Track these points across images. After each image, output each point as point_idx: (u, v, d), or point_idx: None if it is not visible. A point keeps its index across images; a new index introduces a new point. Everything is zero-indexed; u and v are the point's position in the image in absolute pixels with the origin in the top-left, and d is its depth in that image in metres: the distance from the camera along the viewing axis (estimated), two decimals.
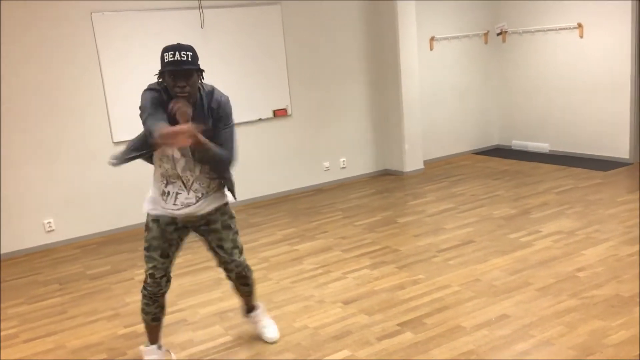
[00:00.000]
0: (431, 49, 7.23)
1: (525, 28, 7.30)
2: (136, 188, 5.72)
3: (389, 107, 6.93)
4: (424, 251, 4.46)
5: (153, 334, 3.04)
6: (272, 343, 3.20)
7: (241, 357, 3.13)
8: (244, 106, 6.05)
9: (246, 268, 3.05)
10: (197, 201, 2.80)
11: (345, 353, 3.05)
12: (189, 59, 2.55)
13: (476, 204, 5.54)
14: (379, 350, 3.05)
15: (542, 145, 7.41)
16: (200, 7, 5.73)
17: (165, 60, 2.55)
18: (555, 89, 7.14)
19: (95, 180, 5.53)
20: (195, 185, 2.80)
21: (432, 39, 7.20)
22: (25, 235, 5.30)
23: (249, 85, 6.14)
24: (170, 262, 2.89)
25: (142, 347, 3.10)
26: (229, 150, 2.76)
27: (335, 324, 3.38)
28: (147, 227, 2.88)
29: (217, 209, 2.90)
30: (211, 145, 2.62)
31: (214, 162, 2.72)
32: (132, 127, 5.56)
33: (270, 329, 3.27)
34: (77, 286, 4.41)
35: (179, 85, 2.55)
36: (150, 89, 2.67)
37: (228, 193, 2.95)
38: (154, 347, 3.05)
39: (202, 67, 2.66)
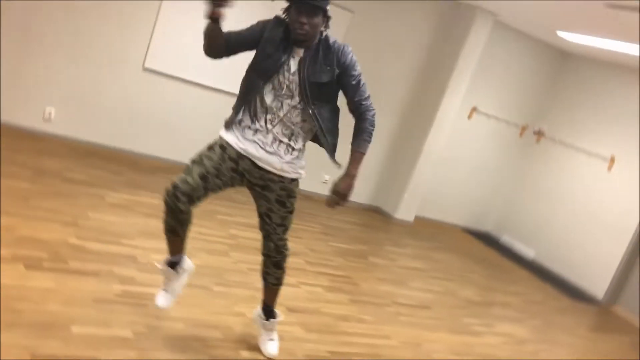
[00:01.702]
0: (469, 118, 7.27)
1: (561, 138, 7.36)
2: (147, 118, 5.71)
3: (406, 152, 6.95)
4: (381, 297, 4.45)
5: (171, 246, 2.83)
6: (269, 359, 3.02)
7: (172, 315, 3.10)
8: None
9: (286, 246, 2.87)
10: (270, 152, 2.64)
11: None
12: None
13: (447, 276, 5.54)
14: None
15: (528, 251, 7.43)
16: None
17: None
18: (562, 205, 7.18)
19: (111, 92, 5.50)
20: (277, 131, 2.63)
21: (474, 108, 7.24)
22: (24, 113, 5.26)
23: None
24: (204, 188, 2.62)
25: (160, 264, 2.89)
26: (365, 102, 2.66)
27: None
28: (211, 146, 2.69)
29: (280, 178, 2.72)
30: (358, 156, 2.72)
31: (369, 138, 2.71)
32: (168, 61, 5.59)
33: (273, 345, 3.06)
34: (49, 181, 4.38)
35: (300, 20, 2.48)
36: (266, 20, 2.63)
37: (303, 172, 2.79)
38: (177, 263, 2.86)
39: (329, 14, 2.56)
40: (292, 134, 2.68)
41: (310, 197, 6.63)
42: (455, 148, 7.33)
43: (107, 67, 5.43)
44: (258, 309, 3.10)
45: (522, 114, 7.63)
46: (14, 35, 5.01)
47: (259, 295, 3.65)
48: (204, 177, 2.62)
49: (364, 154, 2.71)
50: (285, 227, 2.84)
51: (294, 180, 2.78)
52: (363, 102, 2.67)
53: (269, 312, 3.05)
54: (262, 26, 2.64)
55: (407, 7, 6.45)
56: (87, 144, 5.54)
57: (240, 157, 2.67)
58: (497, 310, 5.10)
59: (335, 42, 2.65)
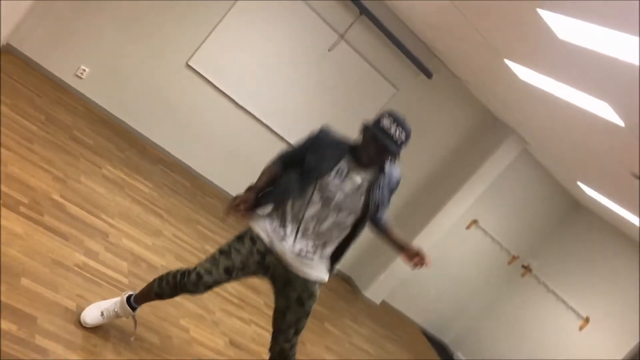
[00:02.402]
0: (467, 228, 7.30)
1: (546, 281, 7.34)
2: (170, 111, 5.75)
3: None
4: None
5: (144, 299, 2.77)
6: None
7: None
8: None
9: (292, 350, 2.75)
10: (297, 254, 2.59)
11: None
12: (400, 142, 2.46)
13: None
14: None
15: None
16: (341, 35, 5.90)
17: (380, 124, 2.45)
18: (524, 345, 7.09)
19: (146, 75, 5.56)
20: (309, 239, 2.59)
21: (474, 221, 7.28)
22: (60, 62, 5.31)
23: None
24: (227, 280, 2.65)
25: (126, 294, 2.77)
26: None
27: (209, 351, 3.30)
28: (241, 237, 2.66)
29: (305, 280, 2.64)
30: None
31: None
32: (211, 66, 5.66)
33: None
34: (57, 133, 4.38)
35: (370, 152, 2.49)
36: (332, 135, 2.63)
37: (326, 276, 2.71)
38: (132, 306, 2.75)
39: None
40: (324, 243, 2.63)
41: None
42: (444, 252, 7.32)
43: (153, 51, 5.51)
44: None
45: (517, 244, 7.65)
46: None
47: (209, 317, 3.61)
48: (229, 271, 2.62)
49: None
50: (297, 330, 2.72)
51: (317, 283, 2.69)
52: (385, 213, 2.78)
53: None
54: (312, 139, 2.64)
55: (449, 102, 6.59)
56: (105, 113, 5.57)
57: (267, 251, 2.62)
58: None
59: (398, 172, 2.69)
